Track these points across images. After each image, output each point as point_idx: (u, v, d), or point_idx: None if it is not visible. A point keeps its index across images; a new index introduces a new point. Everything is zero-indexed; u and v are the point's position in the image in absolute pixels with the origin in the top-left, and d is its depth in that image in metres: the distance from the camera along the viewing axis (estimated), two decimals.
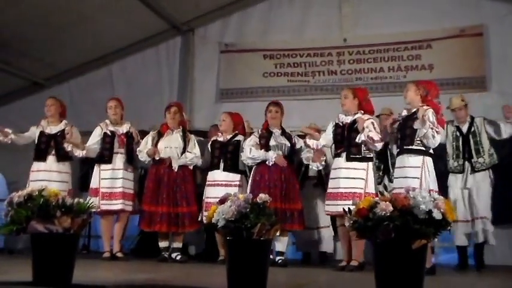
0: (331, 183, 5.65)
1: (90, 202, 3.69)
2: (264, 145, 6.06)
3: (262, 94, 8.64)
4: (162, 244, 6.35)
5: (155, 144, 6.30)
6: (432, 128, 5.12)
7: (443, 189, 5.62)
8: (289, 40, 8.88)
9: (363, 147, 5.56)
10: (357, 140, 5.50)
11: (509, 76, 7.79)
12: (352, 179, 5.49)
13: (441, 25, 8.22)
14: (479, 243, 6.13)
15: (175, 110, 6.46)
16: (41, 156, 6.54)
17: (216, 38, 9.16)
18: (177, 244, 6.35)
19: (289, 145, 6.08)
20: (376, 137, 5.42)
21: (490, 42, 8.00)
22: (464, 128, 6.19)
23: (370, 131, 5.41)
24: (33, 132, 6.61)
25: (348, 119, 5.70)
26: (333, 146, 5.80)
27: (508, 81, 7.74)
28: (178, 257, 6.22)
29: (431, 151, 5.28)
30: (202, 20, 9.21)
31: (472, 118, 6.21)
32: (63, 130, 6.59)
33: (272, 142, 6.07)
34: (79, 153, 6.41)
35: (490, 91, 7.67)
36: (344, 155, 5.60)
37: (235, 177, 6.29)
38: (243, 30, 9.09)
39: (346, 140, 5.61)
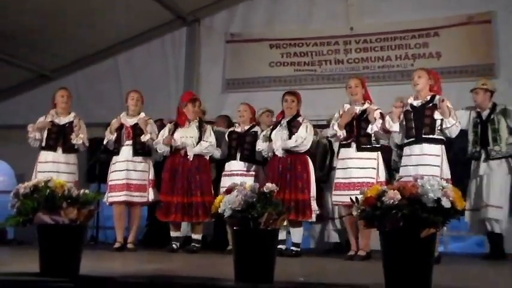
0: (340, 173, 5.62)
1: (96, 192, 3.69)
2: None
3: (268, 84, 8.62)
4: (174, 234, 6.33)
5: (171, 134, 6.31)
6: (455, 118, 5.16)
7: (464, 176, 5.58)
8: (295, 29, 8.83)
9: (373, 137, 5.54)
10: (369, 131, 5.49)
11: None
12: (364, 168, 5.48)
13: (449, 13, 8.10)
14: (494, 232, 6.05)
15: (199, 104, 6.54)
16: (50, 146, 6.52)
17: (222, 28, 9.13)
18: (196, 235, 6.33)
19: (287, 135, 6.00)
20: (396, 129, 5.40)
21: (499, 29, 7.89)
22: (484, 115, 6.11)
23: (386, 122, 5.40)
24: None
25: (357, 109, 5.66)
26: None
27: None
28: (195, 248, 6.22)
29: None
30: (208, 10, 9.18)
31: (494, 105, 6.11)
32: (72, 122, 6.61)
33: (273, 133, 6.03)
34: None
35: (499, 78, 7.54)
36: (354, 145, 5.58)
37: (251, 166, 6.30)
38: (249, 19, 9.05)
39: (356, 130, 5.58)
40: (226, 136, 6.50)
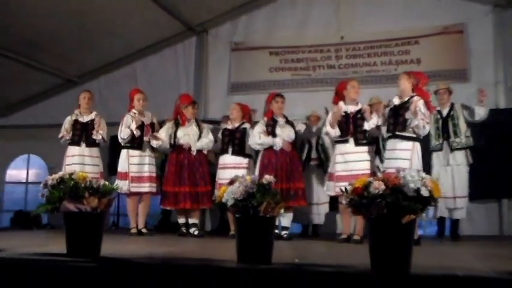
0: (339, 167, 5.57)
1: (115, 185, 3.67)
2: (271, 132, 5.98)
3: (268, 87, 8.53)
4: (181, 220, 6.36)
5: (174, 133, 6.29)
6: (423, 119, 5.09)
7: (427, 167, 5.62)
8: (292, 38, 8.79)
9: (367, 133, 5.52)
10: (366, 127, 5.47)
11: (487, 69, 7.80)
12: (362, 161, 5.47)
13: (427, 24, 8.17)
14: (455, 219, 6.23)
15: (197, 106, 6.58)
16: (75, 142, 6.52)
17: (226, 37, 9.11)
18: (193, 220, 6.33)
19: (293, 132, 6.01)
20: (379, 123, 5.42)
21: (470, 38, 7.98)
22: (445, 112, 6.24)
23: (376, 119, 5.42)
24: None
25: (353, 108, 5.62)
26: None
27: (486, 73, 7.74)
28: (196, 232, 6.21)
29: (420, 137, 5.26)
30: (215, 22, 9.16)
31: (452, 104, 6.25)
32: (93, 120, 6.61)
33: (278, 130, 5.99)
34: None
35: (471, 82, 7.61)
36: (352, 140, 5.55)
37: (243, 160, 6.26)
38: (250, 30, 9.04)
39: (352, 127, 5.55)
40: (220, 133, 6.46)
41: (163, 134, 6.35)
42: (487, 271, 2.97)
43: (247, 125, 6.37)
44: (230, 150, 6.26)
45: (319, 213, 6.68)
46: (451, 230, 6.31)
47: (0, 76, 8.53)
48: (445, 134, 6.15)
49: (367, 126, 5.48)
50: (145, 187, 6.36)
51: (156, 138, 6.26)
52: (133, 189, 6.33)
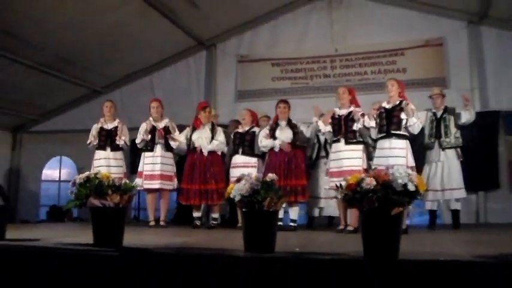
0: (333, 164, 5.54)
1: (134, 183, 3.67)
2: (273, 135, 5.98)
3: (271, 94, 8.53)
4: (196, 214, 6.31)
5: (190, 136, 6.29)
6: (419, 119, 5.20)
7: (421, 163, 5.63)
8: (291, 51, 8.78)
9: (357, 133, 5.47)
10: (354, 128, 5.43)
11: (464, 76, 7.86)
12: (352, 158, 5.42)
13: (411, 37, 8.22)
14: (455, 209, 6.18)
15: (210, 110, 6.50)
16: (102, 146, 6.57)
17: (233, 51, 9.11)
18: (215, 214, 6.35)
19: (292, 133, 5.94)
20: (373, 125, 5.34)
21: (448, 50, 8.06)
22: (439, 114, 6.22)
23: (365, 121, 5.36)
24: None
25: (344, 112, 5.59)
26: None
27: (463, 81, 7.78)
28: (213, 224, 6.21)
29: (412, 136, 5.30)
30: (222, 37, 9.16)
31: (446, 107, 6.24)
32: (116, 127, 6.64)
33: (278, 132, 5.97)
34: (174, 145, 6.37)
35: (450, 88, 7.56)
36: (343, 140, 5.51)
37: (252, 159, 6.22)
38: (254, 44, 9.03)
39: (344, 128, 5.52)
40: (232, 136, 6.43)
41: (182, 137, 6.37)
42: (465, 255, 2.95)
43: (256, 129, 6.35)
44: (240, 150, 6.25)
45: (332, 206, 6.59)
46: (453, 219, 6.26)
47: (39, 88, 8.66)
48: (437, 134, 6.13)
49: (355, 126, 5.44)
50: (156, 184, 6.32)
51: (174, 139, 6.28)
52: (145, 186, 6.34)
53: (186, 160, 6.38)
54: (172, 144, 6.33)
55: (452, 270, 2.46)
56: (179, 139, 6.34)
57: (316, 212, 6.62)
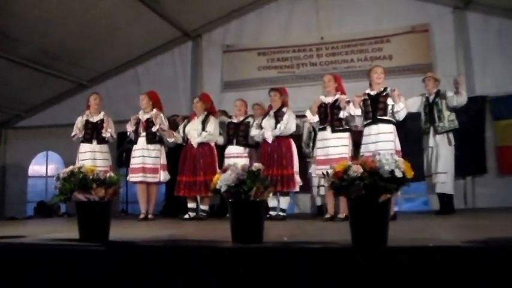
0: (320, 152, 5.50)
1: (119, 175, 3.60)
2: (259, 125, 5.98)
3: (257, 84, 8.53)
4: (190, 205, 6.21)
5: (184, 128, 6.29)
6: (404, 105, 5.16)
7: (408, 149, 5.52)
8: (277, 40, 8.74)
9: (343, 121, 5.43)
10: (341, 116, 5.38)
11: (449, 62, 7.85)
12: (339, 146, 5.37)
13: (397, 24, 8.19)
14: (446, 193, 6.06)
15: (196, 101, 6.45)
16: (87, 139, 6.48)
17: (219, 41, 9.05)
18: (204, 206, 6.27)
19: (274, 122, 5.86)
20: (358, 113, 5.29)
21: (434, 36, 8.04)
22: (431, 98, 6.13)
23: (351, 109, 5.31)
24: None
25: (330, 99, 5.54)
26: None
27: (448, 66, 7.77)
28: (202, 216, 6.16)
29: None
30: (208, 28, 9.09)
31: (438, 91, 6.13)
32: (102, 120, 6.56)
33: (264, 122, 5.93)
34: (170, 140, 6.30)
35: (436, 74, 7.51)
36: (329, 128, 5.47)
37: (245, 150, 6.20)
38: (240, 34, 8.97)
39: (330, 116, 5.47)
40: (226, 126, 6.39)
41: (181, 131, 6.36)
42: (453, 241, 2.94)
43: (250, 119, 6.32)
44: (234, 141, 6.21)
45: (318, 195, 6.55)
46: (441, 204, 6.14)
47: (23, 83, 8.55)
48: (431, 119, 6.04)
49: (342, 114, 5.40)
50: (139, 177, 6.22)
51: (169, 133, 6.23)
52: (130, 179, 6.28)
53: (181, 152, 6.33)
54: (169, 139, 6.25)
55: (441, 256, 2.44)
56: (175, 134, 6.29)
57: (318, 201, 6.61)
